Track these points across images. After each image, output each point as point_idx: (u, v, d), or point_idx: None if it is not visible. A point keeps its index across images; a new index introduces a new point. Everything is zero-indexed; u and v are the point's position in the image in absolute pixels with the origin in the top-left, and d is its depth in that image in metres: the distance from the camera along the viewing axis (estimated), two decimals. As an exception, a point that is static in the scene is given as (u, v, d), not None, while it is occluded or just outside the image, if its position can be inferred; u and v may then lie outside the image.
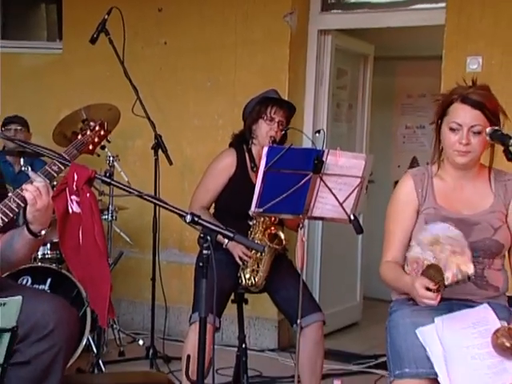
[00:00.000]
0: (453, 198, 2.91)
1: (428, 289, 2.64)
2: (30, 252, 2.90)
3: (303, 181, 3.37)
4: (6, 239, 2.82)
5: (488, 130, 2.74)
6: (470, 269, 2.68)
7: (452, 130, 2.82)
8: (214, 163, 4.07)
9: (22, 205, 2.69)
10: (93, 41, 4.95)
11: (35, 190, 2.65)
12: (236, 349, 4.01)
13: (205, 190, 4.04)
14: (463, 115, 2.80)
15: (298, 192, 3.39)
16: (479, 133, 2.78)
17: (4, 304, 2.20)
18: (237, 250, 3.84)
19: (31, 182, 2.69)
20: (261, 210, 3.39)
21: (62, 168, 2.82)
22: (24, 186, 2.68)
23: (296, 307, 3.60)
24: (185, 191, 4.78)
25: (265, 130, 3.95)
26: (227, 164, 4.02)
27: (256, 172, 3.95)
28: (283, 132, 3.98)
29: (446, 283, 2.66)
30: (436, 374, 2.63)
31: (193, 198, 4.04)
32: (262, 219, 3.86)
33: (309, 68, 5.73)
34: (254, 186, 3.90)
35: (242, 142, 4.07)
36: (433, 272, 2.67)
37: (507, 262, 2.97)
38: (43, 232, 2.75)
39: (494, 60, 4.94)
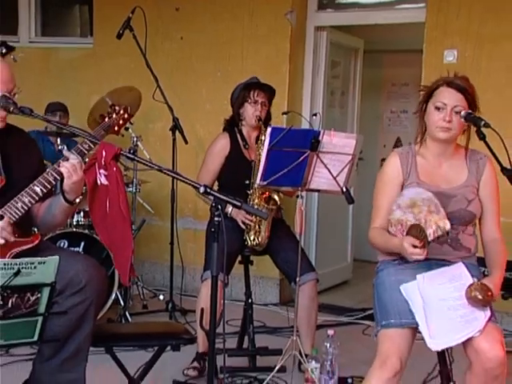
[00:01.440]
0: (433, 174, 2.90)
1: (415, 246, 2.64)
2: (66, 217, 2.92)
3: (302, 157, 3.37)
4: (45, 207, 2.84)
5: (463, 113, 2.76)
6: (446, 224, 2.68)
7: (437, 108, 2.81)
8: (211, 147, 4.06)
9: (59, 178, 2.71)
10: (119, 36, 4.92)
11: (71, 166, 2.67)
12: (243, 303, 4.04)
13: (206, 170, 4.02)
14: (448, 96, 2.79)
15: (297, 167, 3.39)
16: (460, 113, 2.78)
17: (44, 262, 2.22)
18: (240, 216, 3.84)
19: (67, 159, 2.69)
20: (265, 183, 3.40)
21: (92, 146, 2.82)
22: (61, 163, 2.69)
23: (294, 267, 3.62)
24: (198, 167, 4.72)
25: (251, 112, 3.94)
26: (222, 146, 4.01)
27: (248, 149, 3.99)
28: (269, 112, 4.01)
29: (429, 239, 2.67)
30: (417, 324, 2.65)
31: (197, 178, 3.99)
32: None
33: (307, 60, 5.69)
34: (248, 160, 3.94)
35: (233, 125, 4.06)
36: (416, 231, 2.67)
37: (478, 229, 2.96)
38: (77, 200, 2.78)
39: (468, 53, 4.92)
